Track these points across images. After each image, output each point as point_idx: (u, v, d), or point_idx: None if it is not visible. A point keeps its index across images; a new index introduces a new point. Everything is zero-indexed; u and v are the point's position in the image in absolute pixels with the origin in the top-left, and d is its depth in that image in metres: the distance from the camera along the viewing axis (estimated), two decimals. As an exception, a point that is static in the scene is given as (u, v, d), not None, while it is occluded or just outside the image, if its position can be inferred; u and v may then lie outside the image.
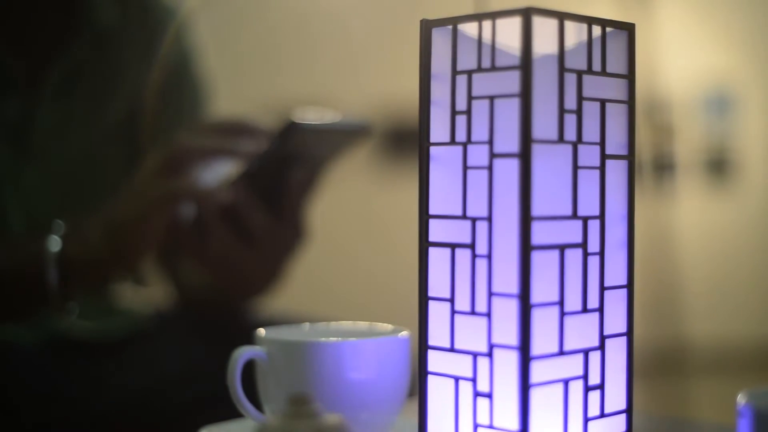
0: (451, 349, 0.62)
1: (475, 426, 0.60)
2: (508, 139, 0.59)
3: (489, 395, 0.60)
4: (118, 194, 0.88)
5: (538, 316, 0.58)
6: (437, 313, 0.62)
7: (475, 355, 0.60)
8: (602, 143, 0.62)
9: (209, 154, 0.85)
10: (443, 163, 0.62)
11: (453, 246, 0.61)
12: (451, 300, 0.62)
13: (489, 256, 0.59)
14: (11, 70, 1.02)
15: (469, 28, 0.61)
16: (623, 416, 0.64)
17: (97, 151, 1.09)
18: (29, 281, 0.87)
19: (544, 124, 0.59)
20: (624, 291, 0.64)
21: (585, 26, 0.61)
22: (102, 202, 0.89)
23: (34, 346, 1.04)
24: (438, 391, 0.62)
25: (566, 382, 0.60)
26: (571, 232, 0.60)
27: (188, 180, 0.84)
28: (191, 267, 1.07)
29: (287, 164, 0.87)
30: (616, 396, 0.64)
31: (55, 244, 0.86)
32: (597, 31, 0.62)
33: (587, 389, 0.62)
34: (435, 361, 0.63)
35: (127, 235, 0.85)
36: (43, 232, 0.88)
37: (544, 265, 0.59)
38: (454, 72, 0.61)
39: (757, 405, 0.55)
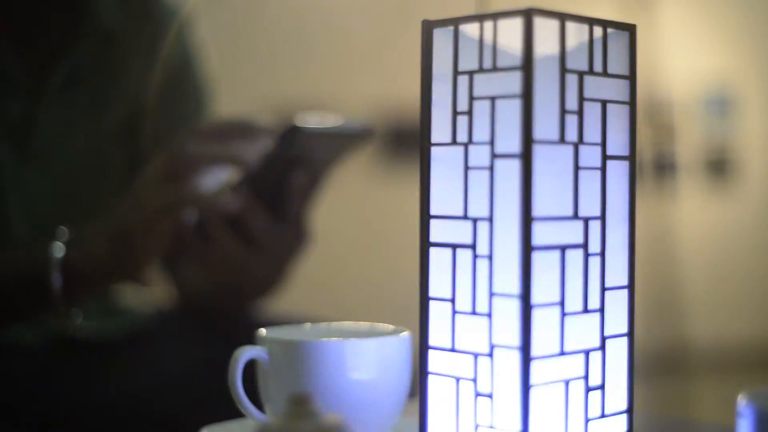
0: (452, 350, 0.62)
1: (476, 426, 0.60)
2: (510, 140, 0.59)
3: (490, 395, 0.60)
4: (121, 200, 0.88)
5: (538, 317, 0.58)
6: (438, 313, 0.62)
7: (476, 356, 0.60)
8: (603, 144, 0.62)
9: (211, 160, 0.85)
10: (444, 164, 0.62)
11: (454, 246, 0.61)
12: (452, 300, 0.62)
13: (490, 257, 0.59)
14: (14, 71, 1.02)
15: (471, 29, 0.61)
16: (624, 416, 0.64)
17: (100, 154, 1.08)
18: (33, 286, 0.87)
19: (545, 124, 0.59)
20: (625, 291, 0.64)
21: (586, 27, 0.61)
22: (105, 205, 0.89)
23: (35, 346, 1.04)
24: (439, 392, 0.62)
25: (567, 383, 0.60)
26: (572, 232, 0.60)
27: (191, 186, 0.84)
28: (194, 271, 1.07)
29: (289, 168, 0.87)
30: (617, 396, 0.64)
31: (58, 249, 0.86)
32: (598, 31, 0.62)
33: (588, 389, 0.62)
34: (436, 361, 0.63)
35: (130, 242, 0.85)
36: (46, 236, 0.88)
37: (544, 265, 0.59)
38: (456, 73, 0.61)
39: (758, 405, 0.55)
